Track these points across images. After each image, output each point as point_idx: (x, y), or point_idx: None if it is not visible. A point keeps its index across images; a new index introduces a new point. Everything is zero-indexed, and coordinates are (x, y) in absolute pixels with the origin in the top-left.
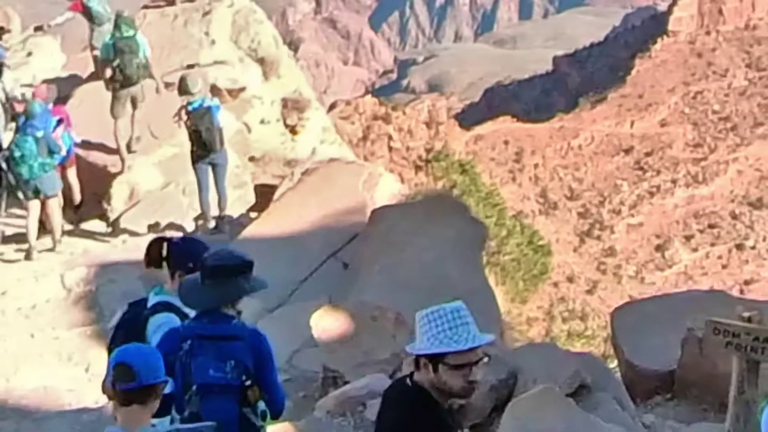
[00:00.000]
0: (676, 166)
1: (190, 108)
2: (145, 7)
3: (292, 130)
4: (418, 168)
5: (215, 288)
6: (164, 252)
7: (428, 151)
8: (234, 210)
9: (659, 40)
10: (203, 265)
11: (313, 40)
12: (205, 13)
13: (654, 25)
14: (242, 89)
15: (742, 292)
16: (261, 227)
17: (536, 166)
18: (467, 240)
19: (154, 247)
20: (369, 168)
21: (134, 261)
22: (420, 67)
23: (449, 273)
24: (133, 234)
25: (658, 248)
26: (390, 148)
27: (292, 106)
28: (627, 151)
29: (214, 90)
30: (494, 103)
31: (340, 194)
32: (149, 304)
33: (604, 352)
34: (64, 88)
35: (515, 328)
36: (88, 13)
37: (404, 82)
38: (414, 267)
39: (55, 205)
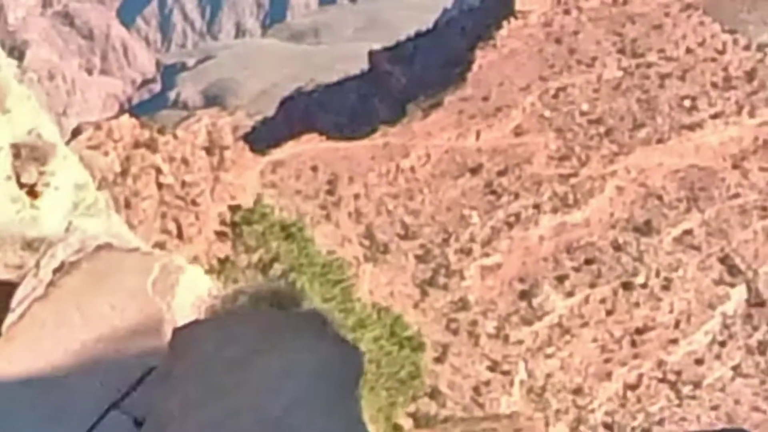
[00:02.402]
0: (538, 187)
1: None
2: None
3: (31, 192)
4: (220, 235)
5: None
6: None
7: (233, 209)
8: None
9: (505, 23)
10: None
11: (44, 43)
12: None
13: (497, 5)
14: None
15: (634, 343)
16: None
17: (357, 197)
18: (331, 374)
19: None
20: (161, 259)
21: None
22: (192, 74)
23: (305, 430)
24: None
25: (524, 295)
26: (159, 186)
27: (27, 155)
28: (474, 171)
29: None
30: (295, 116)
31: (120, 304)
32: None
33: None
34: None
35: None
36: None
37: (172, 95)
38: (251, 423)
39: None
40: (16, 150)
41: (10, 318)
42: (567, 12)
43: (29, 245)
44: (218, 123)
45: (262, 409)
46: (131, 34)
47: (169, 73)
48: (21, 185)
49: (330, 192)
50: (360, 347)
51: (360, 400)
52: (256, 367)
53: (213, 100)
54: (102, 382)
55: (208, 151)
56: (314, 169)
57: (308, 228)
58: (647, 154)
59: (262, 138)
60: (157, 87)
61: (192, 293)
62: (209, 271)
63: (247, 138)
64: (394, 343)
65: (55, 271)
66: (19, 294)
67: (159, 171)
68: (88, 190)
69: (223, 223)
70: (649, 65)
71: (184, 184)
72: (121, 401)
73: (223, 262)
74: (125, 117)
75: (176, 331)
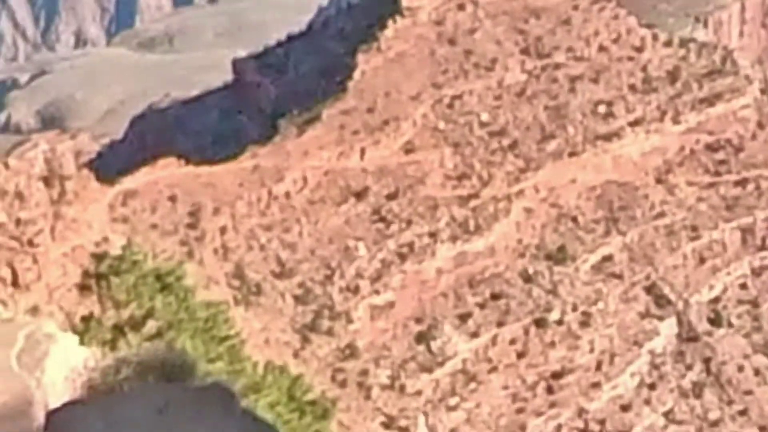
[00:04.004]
0: (434, 212)
1: None
2: None
3: None
4: (83, 288)
5: None
6: None
7: (98, 258)
8: None
9: (390, 23)
10: None
11: None
12: None
13: (380, 3)
14: None
15: (550, 390)
16: None
17: (223, 230)
18: None
19: None
20: (26, 327)
21: None
22: (25, 92)
23: None
24: None
25: (421, 338)
26: None
27: None
28: (359, 195)
29: None
30: (148, 138)
31: None
32: None
33: None
34: None
35: None
36: None
37: (1, 117)
38: None
39: None
40: None
41: None
42: (461, 8)
43: None
44: (58, 149)
45: None
46: None
47: None
48: None
49: (192, 225)
50: (276, 425)
51: None
52: None
53: (51, 122)
54: None
55: (47, 182)
56: (172, 199)
57: (188, 276)
58: (558, 169)
59: (110, 165)
60: None
61: (65, 366)
62: (72, 332)
63: (92, 165)
64: (294, 410)
65: None
66: None
67: None
68: None
69: (85, 273)
70: (557, 67)
71: (18, 222)
72: None
73: (87, 320)
74: None
75: (51, 414)
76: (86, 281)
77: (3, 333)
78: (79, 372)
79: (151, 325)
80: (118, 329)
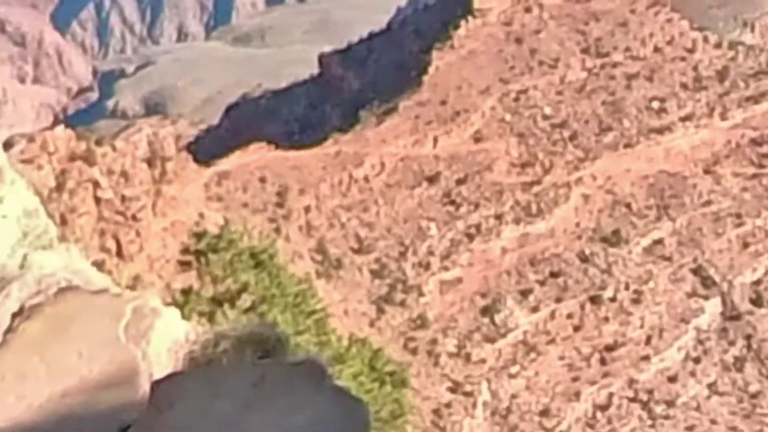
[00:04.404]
0: (500, 196)
1: None
2: None
3: None
4: (183, 264)
5: None
6: None
7: (198, 236)
8: None
9: (463, 23)
10: None
11: None
12: None
13: (454, 4)
14: None
15: (603, 361)
16: None
17: (308, 210)
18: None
19: None
20: (133, 300)
21: None
22: (131, 81)
23: None
24: None
25: (486, 311)
26: (98, 201)
27: None
28: (432, 180)
29: None
30: (241, 124)
31: (89, 353)
32: None
33: None
34: None
35: None
36: None
37: (110, 104)
38: None
39: None
40: None
41: None
42: (528, 10)
43: None
44: (160, 133)
45: None
46: (66, 40)
47: (106, 81)
48: None
49: (279, 204)
50: (359, 395)
51: None
52: (247, 426)
53: (154, 108)
54: None
55: (150, 163)
56: (262, 180)
57: (280, 255)
58: (614, 159)
59: (206, 148)
60: (94, 95)
61: (168, 338)
62: (172, 304)
63: (190, 148)
64: (375, 379)
65: (14, 315)
66: None
67: (97, 185)
68: (38, 218)
69: (185, 250)
70: (615, 65)
71: (123, 198)
72: None
73: (186, 293)
74: (60, 128)
75: (155, 384)
76: (186, 257)
77: (111, 306)
78: (181, 344)
79: (245, 299)
80: (215, 302)
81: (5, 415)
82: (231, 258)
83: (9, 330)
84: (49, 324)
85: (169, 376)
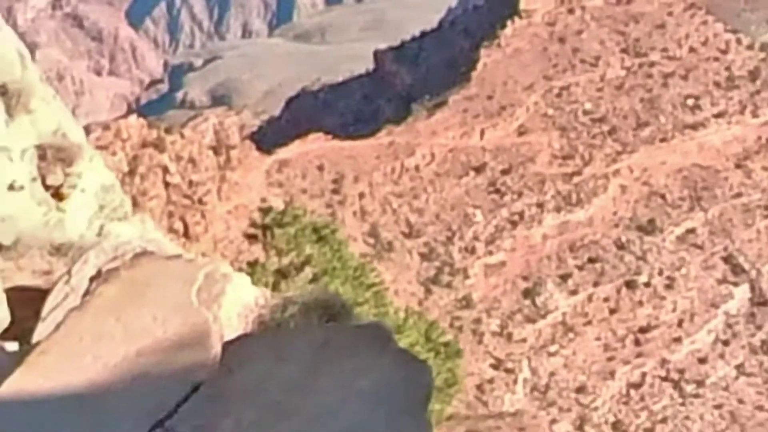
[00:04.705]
0: (542, 186)
1: None
2: None
3: (56, 195)
4: (250, 237)
5: None
6: None
7: (264, 211)
8: None
9: (509, 23)
10: None
11: (53, 44)
12: None
13: (501, 5)
14: None
15: (637, 342)
16: (31, 376)
17: (362, 196)
18: (397, 394)
19: None
20: (205, 266)
21: None
22: (199, 74)
23: None
24: None
25: (527, 293)
26: (167, 185)
27: (53, 157)
28: (478, 170)
29: None
30: (301, 116)
31: (162, 315)
32: None
33: None
34: None
35: None
36: None
37: (179, 95)
38: None
39: None
40: (42, 151)
41: (41, 328)
42: (571, 11)
43: (57, 250)
44: (225, 122)
45: None
46: (139, 35)
47: (176, 74)
48: (46, 187)
49: (335, 191)
50: (426, 366)
51: (430, 422)
52: (314, 388)
53: (220, 99)
54: (145, 399)
55: (215, 150)
56: (320, 168)
57: (341, 231)
58: (650, 153)
59: (268, 137)
60: (164, 87)
61: (239, 303)
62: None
63: (253, 137)
64: (430, 350)
65: (92, 279)
66: (49, 302)
67: (166, 170)
68: (114, 192)
69: (253, 224)
70: (652, 64)
71: (191, 183)
72: (166, 419)
73: (253, 265)
74: (133, 117)
75: (226, 345)
76: (253, 231)
77: (184, 271)
78: (251, 309)
79: (307, 272)
80: (280, 274)
81: (83, 374)
82: (295, 232)
83: (87, 293)
84: (125, 288)
85: (239, 338)
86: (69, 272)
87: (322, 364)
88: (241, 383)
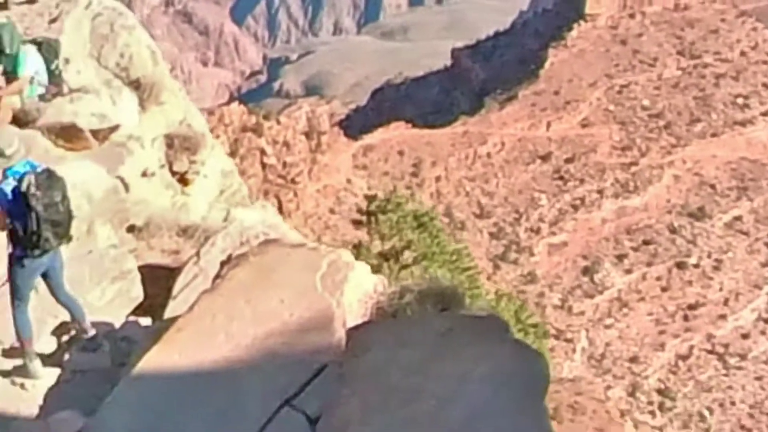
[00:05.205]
0: (602, 174)
1: (16, 176)
2: None
3: (182, 180)
4: (357, 223)
5: None
6: None
7: (370, 199)
8: (112, 314)
9: (575, 26)
10: None
11: (166, 37)
12: (53, 20)
13: (568, 9)
14: (114, 128)
15: (686, 318)
16: (167, 354)
17: (438, 179)
18: (514, 382)
19: None
20: (328, 255)
21: None
22: (294, 67)
23: None
24: None
25: (586, 271)
26: (263, 165)
27: (179, 145)
28: (544, 158)
29: (72, 132)
30: (385, 106)
31: (289, 299)
32: None
33: None
34: None
35: None
36: None
37: (276, 85)
38: (432, 431)
39: None
40: (169, 140)
41: (173, 305)
42: (632, 16)
43: (184, 231)
44: (317, 111)
45: (443, 418)
46: (242, 31)
47: (274, 66)
48: (173, 173)
49: (414, 174)
50: (541, 355)
51: (547, 410)
52: (433, 374)
53: (312, 90)
54: (274, 378)
55: (307, 135)
56: (400, 153)
57: (437, 218)
58: (702, 146)
59: (354, 125)
60: (263, 78)
61: (360, 290)
62: None
63: (341, 124)
64: (520, 330)
65: (223, 263)
66: (180, 281)
67: (263, 152)
68: (233, 178)
69: (359, 211)
70: (706, 66)
71: (285, 164)
72: (294, 398)
73: (357, 247)
74: (235, 104)
75: (352, 330)
76: (359, 217)
77: (309, 259)
78: (370, 295)
79: (408, 255)
80: (382, 256)
81: (216, 352)
82: (397, 219)
83: (218, 276)
84: (253, 272)
85: (363, 325)
86: (198, 254)
87: (443, 350)
88: (366, 367)
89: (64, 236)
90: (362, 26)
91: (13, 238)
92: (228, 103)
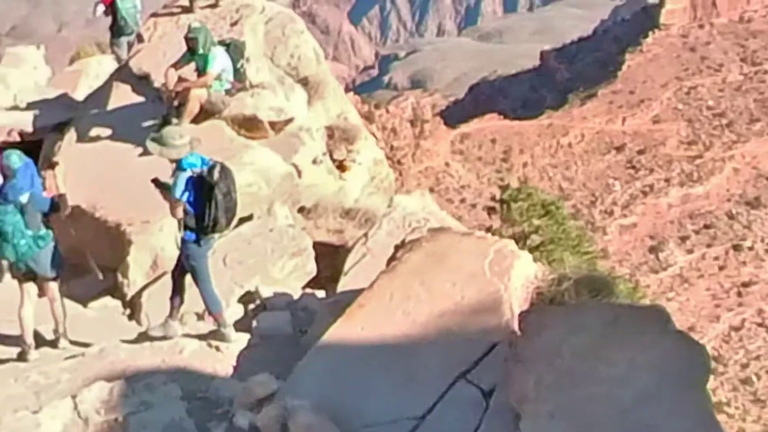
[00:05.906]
0: (669, 165)
1: (194, 168)
2: (154, 15)
3: (340, 167)
4: (489, 210)
5: None
6: None
7: (502, 188)
8: (289, 287)
9: (651, 33)
10: None
11: None
12: (234, 23)
13: (645, 18)
14: (289, 120)
15: (740, 294)
16: (351, 327)
17: (525, 165)
18: (678, 370)
19: None
20: (495, 243)
21: (172, 369)
22: (402, 63)
23: (658, 423)
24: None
25: (652, 250)
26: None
27: (339, 136)
28: (619, 149)
29: (253, 123)
30: (480, 99)
31: (460, 282)
32: None
33: None
34: (53, 112)
35: None
36: (113, 13)
37: (386, 79)
38: (604, 412)
39: (56, 289)
40: (330, 131)
41: (344, 280)
42: (701, 26)
43: (346, 213)
44: (421, 102)
45: (615, 399)
46: (358, 31)
47: (384, 62)
48: (332, 161)
49: (504, 160)
50: (701, 346)
51: (710, 398)
52: (603, 358)
53: (417, 84)
54: (449, 353)
55: (412, 123)
56: (493, 141)
57: (564, 207)
58: (760, 143)
59: (453, 115)
60: (375, 72)
61: (523, 276)
62: None
63: (442, 114)
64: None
65: (397, 247)
66: (350, 259)
67: (374, 137)
68: (382, 166)
69: (493, 199)
70: (766, 72)
71: (392, 147)
72: (467, 372)
73: (489, 230)
74: (350, 95)
75: (524, 314)
76: (492, 204)
77: (477, 246)
78: (531, 281)
79: (534, 239)
80: (512, 239)
81: (395, 328)
82: (527, 207)
83: (393, 258)
84: (426, 256)
85: (535, 309)
86: (366, 235)
87: (611, 338)
88: (539, 348)
89: (231, 221)
90: (462, 29)
91: (186, 224)
92: (344, 93)
